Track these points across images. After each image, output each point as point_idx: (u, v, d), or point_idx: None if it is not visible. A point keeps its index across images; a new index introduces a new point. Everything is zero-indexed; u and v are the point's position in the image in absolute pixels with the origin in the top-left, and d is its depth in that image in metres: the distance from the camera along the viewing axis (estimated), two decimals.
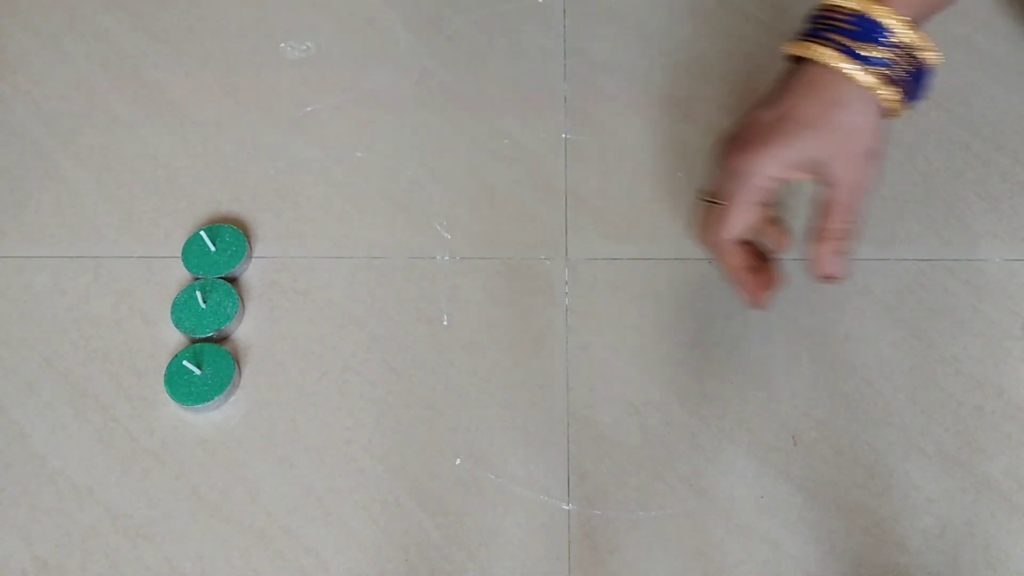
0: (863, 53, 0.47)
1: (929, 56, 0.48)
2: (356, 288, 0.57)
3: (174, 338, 0.55)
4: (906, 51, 0.47)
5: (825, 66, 0.47)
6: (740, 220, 0.48)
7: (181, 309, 0.55)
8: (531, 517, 0.50)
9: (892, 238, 0.59)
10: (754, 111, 0.49)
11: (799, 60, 0.49)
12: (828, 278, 0.49)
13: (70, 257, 0.58)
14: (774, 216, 0.50)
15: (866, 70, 0.47)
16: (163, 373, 0.53)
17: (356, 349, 0.55)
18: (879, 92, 0.47)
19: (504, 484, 0.51)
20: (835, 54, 0.47)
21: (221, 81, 0.66)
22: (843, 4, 0.48)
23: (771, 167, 0.47)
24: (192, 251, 0.57)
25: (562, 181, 0.61)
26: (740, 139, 0.49)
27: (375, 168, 0.61)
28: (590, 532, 0.50)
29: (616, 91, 0.64)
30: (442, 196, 0.60)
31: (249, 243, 0.58)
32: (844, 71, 0.47)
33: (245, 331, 0.56)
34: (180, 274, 0.57)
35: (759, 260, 0.50)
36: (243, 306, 0.56)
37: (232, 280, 0.57)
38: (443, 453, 0.52)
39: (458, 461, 0.52)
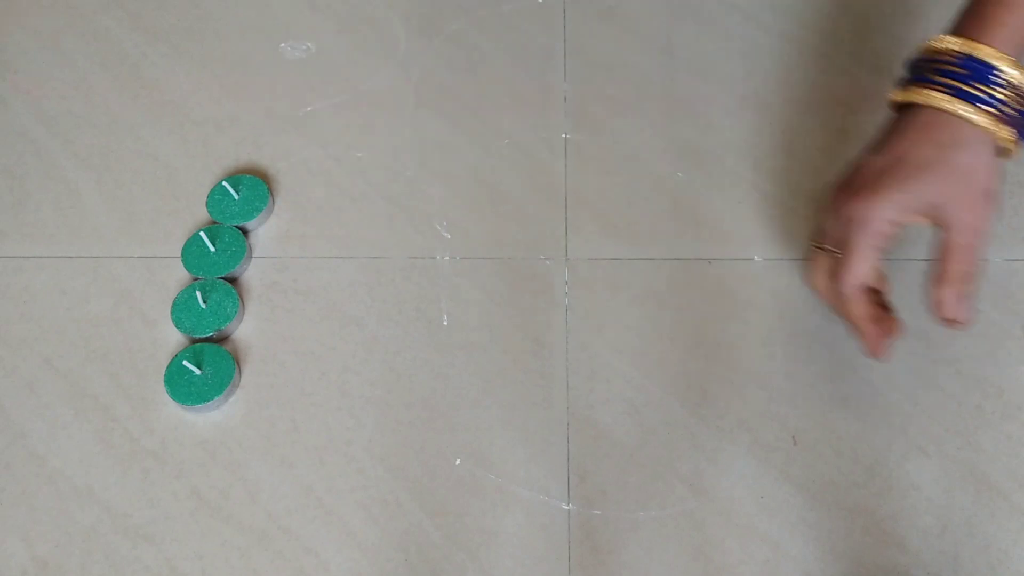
0: (974, 93, 0.47)
1: None
2: (356, 288, 0.57)
3: (174, 338, 0.55)
4: (1015, 90, 0.47)
5: (937, 109, 0.47)
6: (863, 267, 0.48)
7: (181, 309, 0.55)
8: (531, 517, 0.50)
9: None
10: (865, 157, 0.49)
11: (907, 106, 0.49)
12: (951, 323, 0.48)
13: (70, 257, 0.58)
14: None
15: (978, 111, 0.47)
16: (163, 373, 0.53)
17: (356, 349, 0.55)
18: (993, 131, 0.47)
19: (504, 484, 0.51)
20: (946, 97, 0.47)
21: (221, 81, 0.66)
22: (947, 47, 0.48)
23: (890, 211, 0.47)
24: (192, 251, 0.57)
25: (562, 181, 0.61)
26: (854, 186, 0.49)
27: (375, 168, 0.61)
28: (590, 532, 0.50)
29: (616, 91, 0.64)
30: (442, 196, 0.60)
31: (249, 243, 0.58)
32: (957, 113, 0.47)
33: (245, 331, 0.56)
34: (180, 274, 0.57)
35: (878, 308, 0.50)
36: (243, 306, 0.56)
37: (232, 280, 0.57)
38: (443, 453, 0.52)
39: (458, 461, 0.52)
